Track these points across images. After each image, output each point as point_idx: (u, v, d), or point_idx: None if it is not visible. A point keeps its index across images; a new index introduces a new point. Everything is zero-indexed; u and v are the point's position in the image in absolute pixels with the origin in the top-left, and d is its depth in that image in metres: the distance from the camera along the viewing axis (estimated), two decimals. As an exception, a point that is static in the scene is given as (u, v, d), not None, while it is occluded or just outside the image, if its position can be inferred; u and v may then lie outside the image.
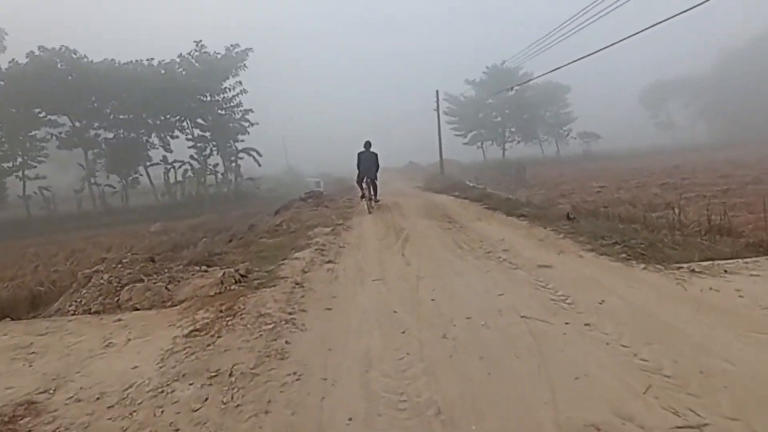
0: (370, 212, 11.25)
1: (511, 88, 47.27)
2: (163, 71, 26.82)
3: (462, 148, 50.44)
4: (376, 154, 11.81)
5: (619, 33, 13.71)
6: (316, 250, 7.15)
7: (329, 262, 6.37)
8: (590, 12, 14.95)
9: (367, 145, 11.70)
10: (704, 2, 9.49)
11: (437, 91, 30.42)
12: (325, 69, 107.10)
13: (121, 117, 27.83)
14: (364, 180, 11.57)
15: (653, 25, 11.39)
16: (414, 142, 78.48)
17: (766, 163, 20.72)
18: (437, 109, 30.08)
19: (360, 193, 12.26)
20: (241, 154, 31.66)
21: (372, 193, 11.78)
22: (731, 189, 13.29)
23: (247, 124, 31.69)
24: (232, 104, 29.77)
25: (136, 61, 27.15)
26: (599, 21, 15.19)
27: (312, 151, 75.33)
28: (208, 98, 28.96)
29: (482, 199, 12.65)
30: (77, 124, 26.61)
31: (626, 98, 66.90)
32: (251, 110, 31.33)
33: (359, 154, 11.68)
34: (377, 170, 11.93)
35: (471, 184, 22.16)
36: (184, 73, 27.49)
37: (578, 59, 16.99)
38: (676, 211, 7.00)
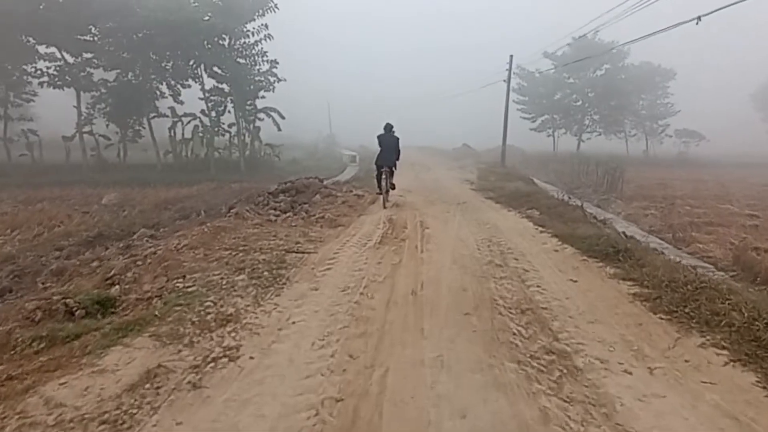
0: (384, 207, 9.78)
1: (600, 67, 39.00)
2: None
3: (527, 134, 43.00)
4: (398, 139, 10.44)
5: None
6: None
7: None
8: None
9: (388, 127, 10.41)
10: None
11: (511, 57, 23.57)
12: (383, 21, 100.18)
13: (124, 56, 23.28)
14: (383, 171, 10.07)
15: None
16: (471, 121, 71.04)
17: None
18: (508, 80, 23.35)
19: (377, 190, 10.46)
20: (261, 115, 26.52)
21: (388, 184, 10.20)
22: None
23: (273, 79, 26.37)
24: (253, 52, 24.44)
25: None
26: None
27: (360, 118, 69.82)
28: (227, 41, 23.77)
29: (614, 257, 5.72)
30: (70, 59, 22.31)
31: (736, 97, 55.73)
32: (277, 63, 25.90)
33: (379, 137, 10.43)
34: (398, 157, 10.50)
35: (548, 187, 15.85)
36: (196, 5, 22.32)
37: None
38: None
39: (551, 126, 41.61)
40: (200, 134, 24.88)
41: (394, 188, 10.47)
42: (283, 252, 5.60)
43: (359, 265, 5.28)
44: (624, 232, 8.29)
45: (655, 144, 41.59)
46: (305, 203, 8.76)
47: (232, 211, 7.86)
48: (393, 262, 5.44)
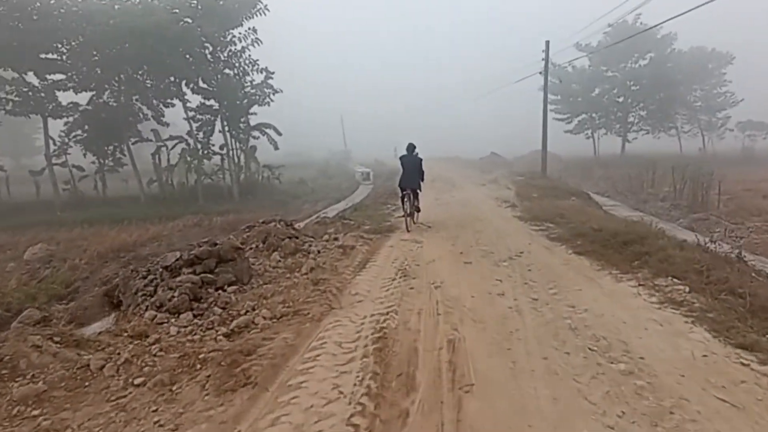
0: (408, 230, 9.25)
1: (644, 56, 34.15)
2: (140, 6, 18.63)
3: (562, 137, 38.36)
4: (421, 160, 9.85)
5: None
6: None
7: None
8: None
9: (410, 148, 9.90)
10: None
11: (547, 43, 19.37)
12: (400, 33, 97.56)
13: (98, 73, 20.33)
14: (406, 194, 9.55)
15: None
16: (499, 127, 66.62)
17: None
18: (545, 71, 19.13)
19: (401, 213, 9.81)
20: (256, 134, 23.13)
21: (413, 206, 9.63)
22: None
23: (269, 91, 23.04)
24: (241, 61, 21.15)
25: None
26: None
27: (376, 132, 66.55)
28: (209, 50, 20.54)
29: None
30: (36, 81, 19.49)
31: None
32: (272, 73, 22.59)
33: (401, 158, 9.96)
34: (422, 178, 9.89)
35: (606, 201, 11.67)
36: (174, 10, 19.17)
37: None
38: None
39: (590, 126, 36.84)
40: (188, 158, 21.58)
41: (419, 210, 10.02)
42: None
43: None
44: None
45: (714, 140, 36.20)
46: (232, 282, 4.94)
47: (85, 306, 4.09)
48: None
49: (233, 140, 22.48)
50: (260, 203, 21.08)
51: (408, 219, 9.48)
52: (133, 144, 22.21)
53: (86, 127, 21.12)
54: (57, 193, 20.49)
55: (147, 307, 4.35)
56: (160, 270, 4.82)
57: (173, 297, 4.28)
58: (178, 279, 4.54)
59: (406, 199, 9.55)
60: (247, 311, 4.34)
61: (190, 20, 19.57)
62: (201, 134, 22.05)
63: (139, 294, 4.58)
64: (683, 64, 33.49)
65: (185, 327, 4.05)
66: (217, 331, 3.87)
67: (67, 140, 21.24)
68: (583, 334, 3.94)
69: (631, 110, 35.21)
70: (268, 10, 20.97)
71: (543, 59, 19.27)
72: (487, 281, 5.42)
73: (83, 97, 21.17)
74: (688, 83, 34.33)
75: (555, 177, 22.93)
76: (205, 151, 22.04)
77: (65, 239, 14.22)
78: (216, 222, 16.71)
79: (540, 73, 20.03)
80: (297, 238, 6.88)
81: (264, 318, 4.16)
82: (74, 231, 15.60)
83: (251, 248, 6.37)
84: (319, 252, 6.62)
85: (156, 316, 4.20)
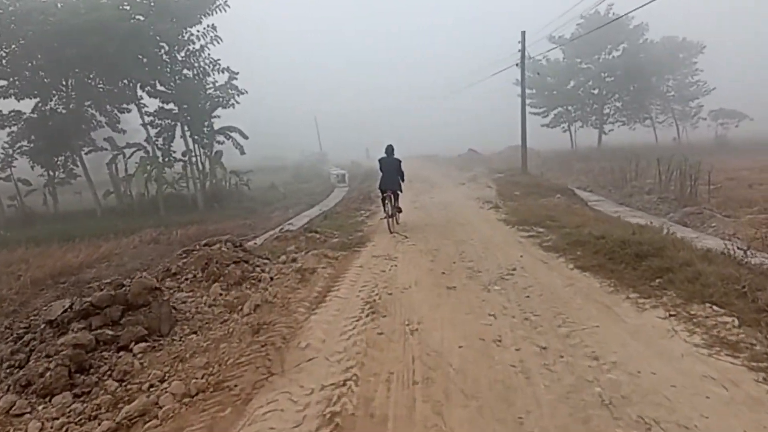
0: (391, 232, 9.22)
1: (617, 47, 33.93)
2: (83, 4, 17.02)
3: (538, 131, 37.93)
4: (400, 161, 9.96)
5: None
6: None
7: None
8: None
9: (389, 150, 9.98)
10: None
11: (523, 34, 18.58)
12: (372, 34, 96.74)
13: (43, 79, 18.67)
14: (387, 195, 9.55)
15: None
16: (475, 123, 66.23)
17: None
18: (521, 62, 18.34)
19: (382, 215, 9.85)
20: (221, 137, 21.75)
21: (393, 208, 9.66)
22: None
23: (234, 92, 21.70)
24: (200, 60, 19.77)
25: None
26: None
27: (352, 132, 65.37)
28: (164, 51, 19.08)
29: None
30: (-30, 88, 17.69)
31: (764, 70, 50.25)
32: (236, 74, 21.28)
33: (380, 161, 10.03)
34: (402, 179, 9.96)
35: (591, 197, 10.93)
36: (126, 8, 17.63)
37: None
38: None
39: (566, 120, 36.48)
40: (147, 167, 20.04)
41: (400, 211, 10.10)
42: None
43: None
44: None
45: (688, 129, 36.31)
46: (143, 337, 3.70)
47: None
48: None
49: (196, 146, 21.05)
50: (227, 212, 19.74)
51: (390, 220, 9.47)
52: (86, 154, 20.59)
53: (32, 137, 19.40)
54: (0, 209, 18.76)
55: (8, 387, 3.13)
56: (42, 326, 3.61)
57: (47, 370, 3.09)
58: (61, 341, 3.34)
59: (387, 201, 9.52)
60: (152, 385, 3.14)
61: (141, 17, 18.09)
62: (161, 140, 20.56)
63: (4, 366, 3.35)
64: (655, 54, 33.35)
65: (55, 419, 2.80)
66: (99, 424, 2.73)
67: (11, 152, 19.47)
68: (625, 417, 2.72)
69: (607, 102, 34.98)
70: (228, 6, 19.64)
71: (519, 50, 18.50)
72: (478, 318, 4.33)
73: (28, 105, 19.45)
74: (661, 73, 34.23)
75: (535, 173, 22.25)
76: (166, 159, 20.56)
77: (2, 263, 12.71)
78: (176, 236, 15.38)
79: (516, 64, 19.28)
80: (247, 262, 5.74)
81: (173, 396, 3.03)
82: (16, 252, 14.08)
83: (187, 279, 5.21)
84: (272, 279, 5.49)
85: (15, 403, 2.97)
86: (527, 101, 34.47)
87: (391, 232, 9.10)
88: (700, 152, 29.37)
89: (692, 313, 4.10)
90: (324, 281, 5.63)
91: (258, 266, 5.80)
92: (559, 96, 35.37)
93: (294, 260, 6.24)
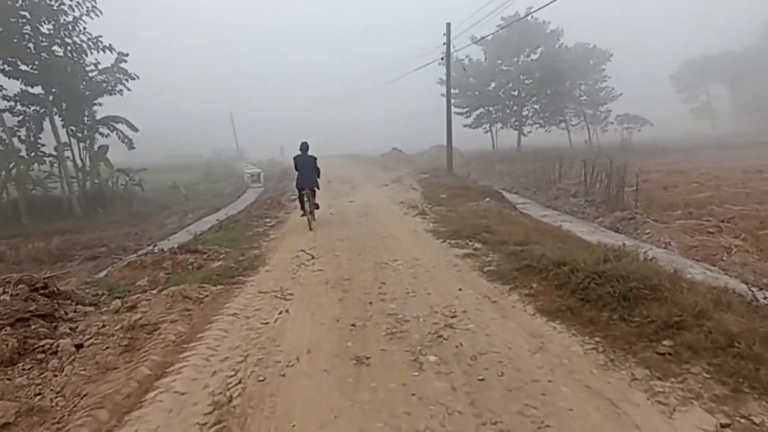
0: (311, 229, 9.22)
1: (535, 50, 34.74)
2: None
3: (460, 131, 38.02)
4: (315, 158, 9.83)
5: None
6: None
7: None
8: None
9: (304, 147, 9.80)
10: None
11: (448, 26, 17.59)
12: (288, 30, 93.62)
13: None
14: (304, 193, 9.49)
15: None
16: (398, 122, 65.94)
17: None
18: (447, 56, 17.36)
19: (301, 212, 9.78)
20: (103, 129, 18.43)
21: (312, 204, 9.60)
22: None
23: (123, 77, 18.51)
24: (74, 37, 16.46)
25: None
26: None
27: (270, 129, 62.24)
28: (23, 20, 15.55)
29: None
30: None
31: (657, 79, 55.16)
32: (125, 55, 18.17)
33: (295, 159, 9.83)
34: (318, 175, 9.84)
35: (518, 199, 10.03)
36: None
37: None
38: None
39: (487, 120, 36.84)
40: (7, 163, 16.27)
41: (318, 207, 9.94)
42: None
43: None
44: None
45: (598, 133, 38.31)
46: None
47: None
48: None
49: (71, 138, 17.58)
50: (112, 218, 16.63)
51: (308, 217, 9.46)
52: None
53: None
54: None
55: None
56: None
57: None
58: None
59: (305, 199, 9.45)
60: None
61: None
62: (23, 131, 16.85)
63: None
64: (569, 59, 34.70)
65: None
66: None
67: None
68: None
69: (525, 104, 35.80)
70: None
71: (444, 43, 17.53)
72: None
73: None
74: (574, 78, 35.71)
75: (461, 173, 21.56)
76: (32, 153, 16.90)
77: None
78: (32, 249, 12.28)
79: (442, 59, 18.31)
80: (46, 317, 3.68)
81: None
82: None
83: None
84: (78, 350, 3.44)
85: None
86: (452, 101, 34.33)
87: (311, 229, 9.07)
88: (610, 154, 30.86)
89: (750, 417, 2.47)
90: (162, 351, 3.58)
91: (69, 321, 3.78)
92: (481, 96, 35.57)
93: (133, 307, 4.21)
